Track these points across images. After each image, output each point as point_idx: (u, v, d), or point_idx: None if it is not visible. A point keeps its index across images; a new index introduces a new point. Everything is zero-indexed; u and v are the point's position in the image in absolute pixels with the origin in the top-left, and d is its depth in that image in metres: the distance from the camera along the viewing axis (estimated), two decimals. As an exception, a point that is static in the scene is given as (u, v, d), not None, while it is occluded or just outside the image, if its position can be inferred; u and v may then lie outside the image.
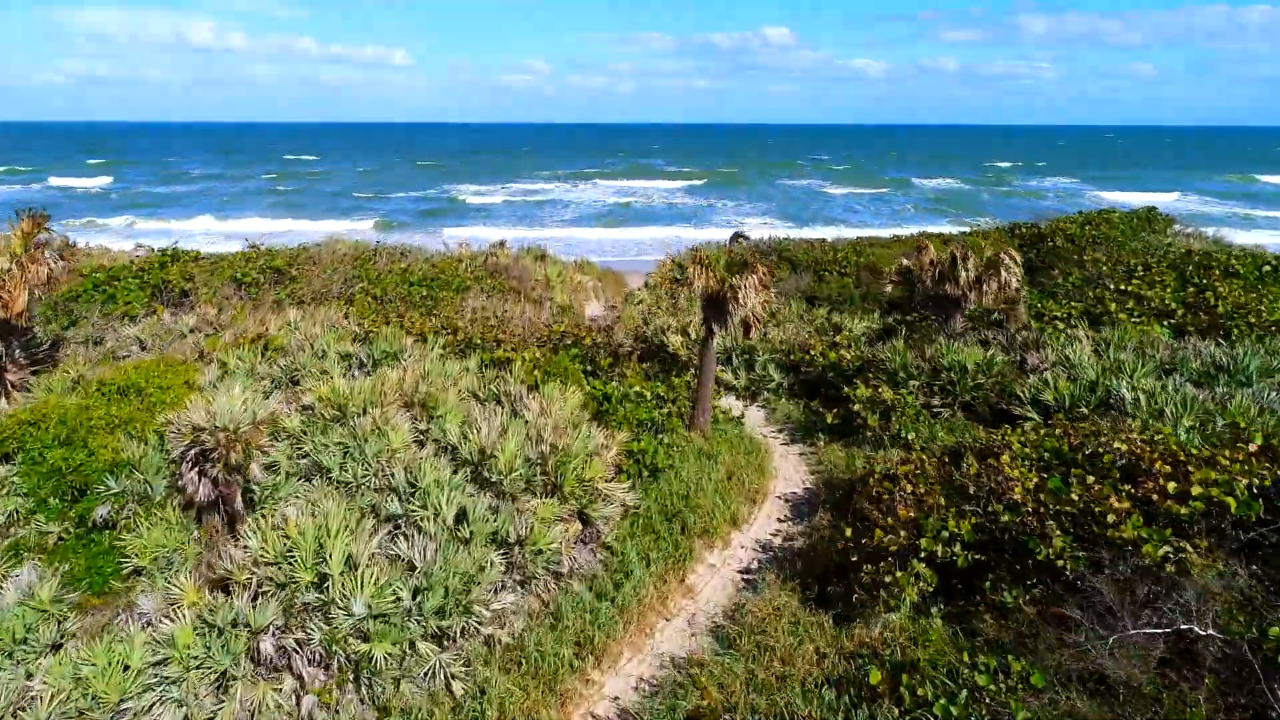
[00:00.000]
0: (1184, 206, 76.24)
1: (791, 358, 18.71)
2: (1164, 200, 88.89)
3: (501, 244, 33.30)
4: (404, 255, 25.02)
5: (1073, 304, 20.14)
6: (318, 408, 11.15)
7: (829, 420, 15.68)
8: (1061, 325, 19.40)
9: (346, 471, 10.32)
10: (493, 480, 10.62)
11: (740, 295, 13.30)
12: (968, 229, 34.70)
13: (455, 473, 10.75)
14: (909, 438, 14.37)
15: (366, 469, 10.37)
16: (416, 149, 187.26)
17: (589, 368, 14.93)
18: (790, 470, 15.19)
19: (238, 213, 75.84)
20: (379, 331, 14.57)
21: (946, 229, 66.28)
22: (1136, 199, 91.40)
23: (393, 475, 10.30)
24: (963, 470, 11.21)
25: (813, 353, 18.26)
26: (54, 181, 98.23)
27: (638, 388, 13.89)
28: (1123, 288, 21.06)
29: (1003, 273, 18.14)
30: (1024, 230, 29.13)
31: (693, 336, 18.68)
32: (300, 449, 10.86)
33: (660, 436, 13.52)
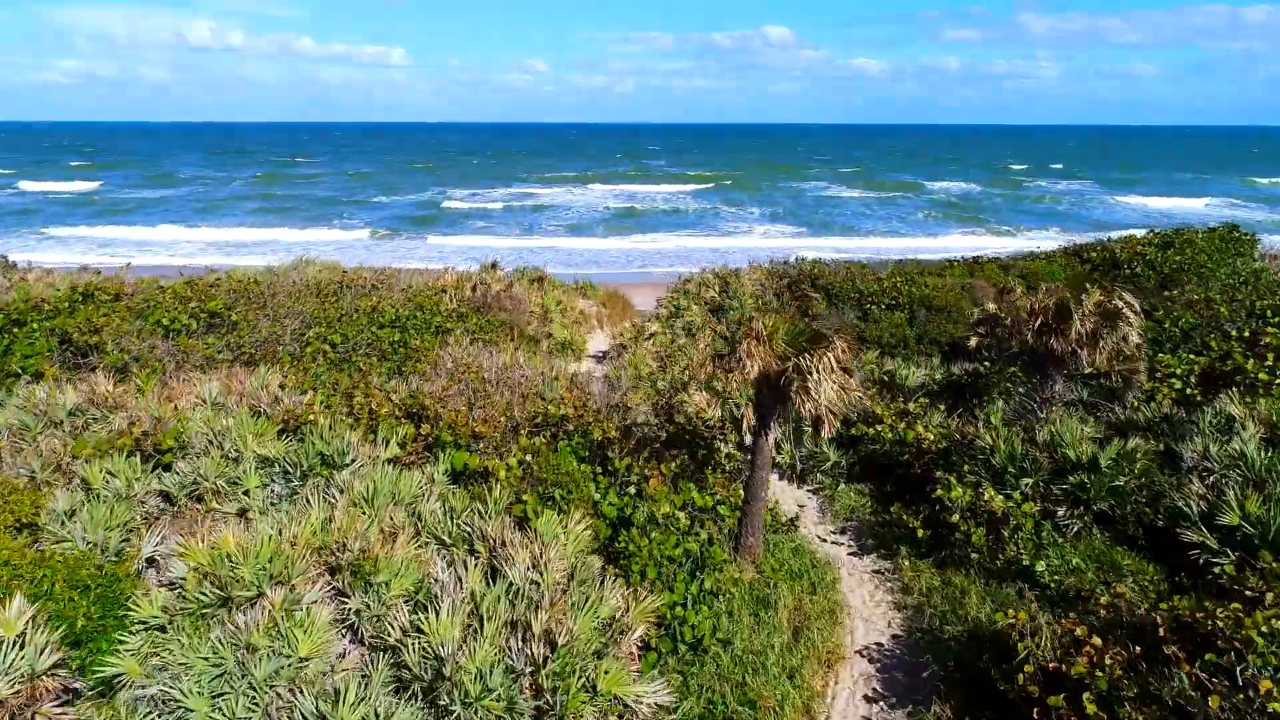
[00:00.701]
0: (1215, 212, 72.29)
1: (852, 431, 14.87)
2: (1193, 206, 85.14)
3: (493, 266, 29.59)
4: (375, 288, 21.14)
5: (1194, 358, 16.28)
6: (189, 584, 7.30)
7: (916, 531, 11.86)
8: (1179, 384, 15.59)
9: (221, 711, 6.47)
10: (454, 709, 6.79)
11: (811, 384, 9.45)
12: (1031, 249, 30.74)
13: (397, 694, 6.93)
14: (1036, 569, 10.54)
15: (254, 705, 6.53)
16: (413, 150, 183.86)
17: (598, 468, 11.10)
18: (867, 603, 11.34)
19: (220, 220, 71.96)
20: (314, 422, 10.72)
21: (975, 238, 62.60)
22: (1161, 204, 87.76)
23: (295, 712, 6.47)
24: (1168, 674, 7.42)
25: (880, 427, 14.43)
26: (25, 186, 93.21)
27: (666, 508, 10.07)
28: (1245, 334, 17.21)
29: (1121, 325, 14.34)
30: (1094, 255, 25.19)
31: (734, 402, 14.83)
32: (161, 650, 7.03)
33: (699, 577, 9.70)
